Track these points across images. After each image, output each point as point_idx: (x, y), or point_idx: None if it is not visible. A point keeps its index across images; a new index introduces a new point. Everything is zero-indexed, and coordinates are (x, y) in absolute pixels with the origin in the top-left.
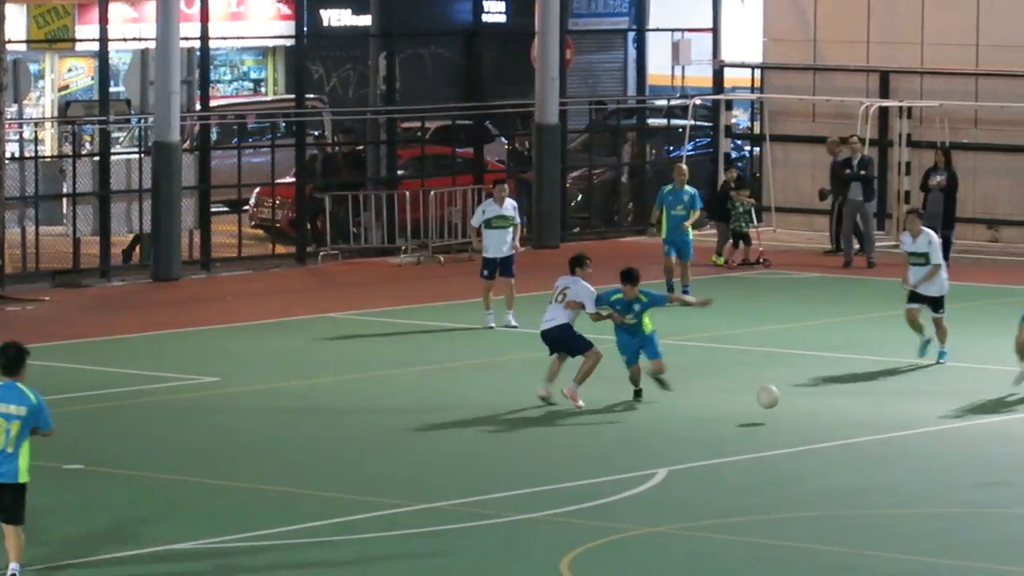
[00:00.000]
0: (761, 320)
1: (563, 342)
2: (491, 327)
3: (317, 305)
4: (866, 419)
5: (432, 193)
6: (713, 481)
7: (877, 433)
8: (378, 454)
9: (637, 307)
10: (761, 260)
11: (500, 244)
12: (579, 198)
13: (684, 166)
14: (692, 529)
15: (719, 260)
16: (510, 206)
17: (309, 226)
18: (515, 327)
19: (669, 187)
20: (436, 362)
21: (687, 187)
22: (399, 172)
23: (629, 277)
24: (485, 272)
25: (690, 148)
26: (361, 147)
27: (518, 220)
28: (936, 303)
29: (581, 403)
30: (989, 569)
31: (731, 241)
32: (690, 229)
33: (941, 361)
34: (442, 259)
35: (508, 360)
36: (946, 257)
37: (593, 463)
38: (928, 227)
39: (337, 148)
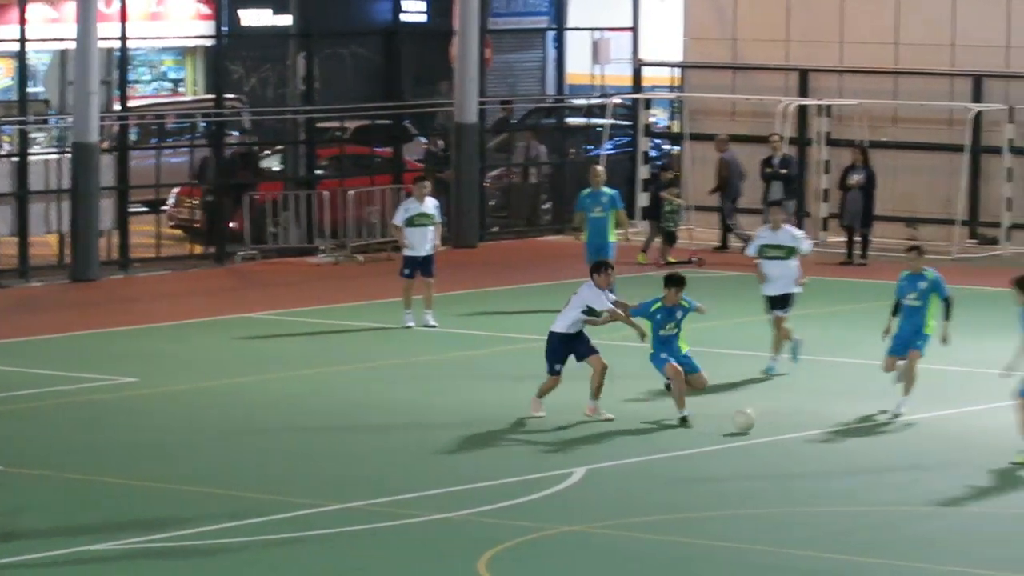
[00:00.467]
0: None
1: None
2: (409, 327)
3: (236, 305)
4: (788, 417)
5: (351, 193)
6: (631, 480)
7: (799, 431)
8: (296, 454)
9: (679, 314)
10: (693, 259)
11: (422, 242)
12: (497, 198)
13: (600, 168)
14: (610, 528)
15: (642, 258)
16: (431, 204)
17: (209, 227)
18: (434, 327)
19: (587, 190)
20: (355, 362)
21: (605, 188)
22: (318, 172)
23: (676, 281)
24: (406, 271)
25: (610, 147)
26: (257, 148)
27: (439, 219)
28: (785, 301)
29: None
30: (905, 567)
31: (663, 240)
32: (612, 231)
33: (773, 369)
34: (361, 258)
35: (427, 360)
36: (864, 256)
37: (511, 462)
38: (847, 226)
39: (232, 150)
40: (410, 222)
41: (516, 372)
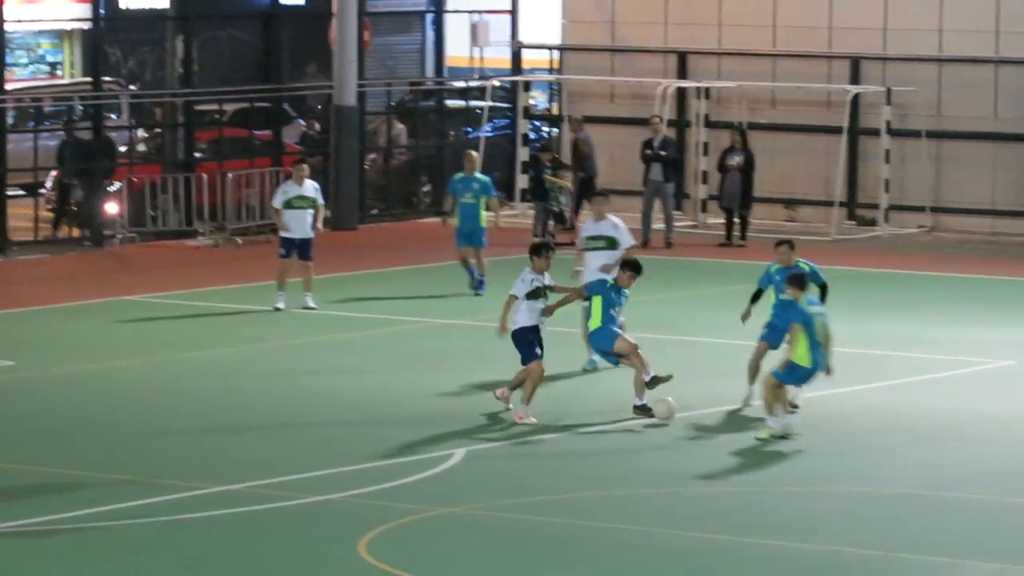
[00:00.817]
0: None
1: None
2: (279, 308)
3: (114, 288)
4: (664, 398)
5: (230, 176)
6: (511, 461)
7: (680, 412)
8: (175, 437)
9: (624, 299)
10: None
11: (300, 225)
12: (377, 180)
13: (475, 153)
14: (490, 509)
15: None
16: (310, 187)
17: (56, 212)
18: (313, 308)
19: (460, 174)
20: (234, 344)
21: (478, 174)
22: (197, 155)
23: (633, 266)
24: (282, 251)
25: (489, 130)
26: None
27: (320, 201)
28: None
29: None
30: (782, 546)
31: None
32: (483, 216)
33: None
34: (240, 241)
35: (306, 342)
36: (744, 237)
37: (391, 444)
38: (726, 207)
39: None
40: (288, 204)
41: (395, 355)
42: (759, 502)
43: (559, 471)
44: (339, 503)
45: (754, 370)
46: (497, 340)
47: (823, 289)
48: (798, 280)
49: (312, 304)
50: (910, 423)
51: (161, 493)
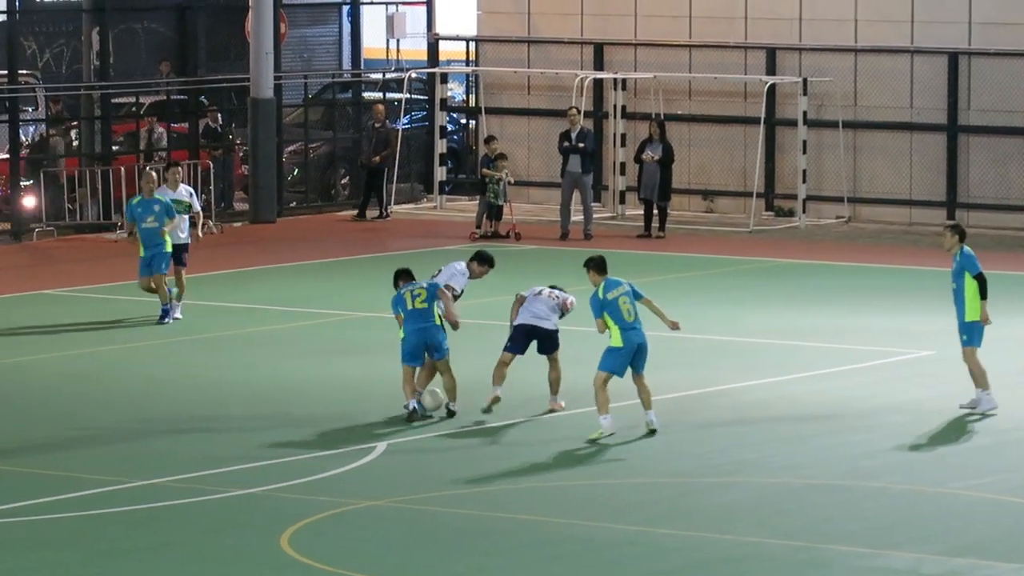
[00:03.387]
0: (485, 292)
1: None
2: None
3: (32, 282)
4: (583, 390)
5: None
6: (432, 454)
7: (591, 405)
8: (93, 431)
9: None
10: (511, 233)
11: (175, 231)
12: (295, 172)
13: (154, 173)
14: (412, 501)
15: (479, 233)
16: (184, 191)
17: None
18: (178, 319)
19: (137, 198)
20: (150, 338)
21: (157, 195)
22: (114, 147)
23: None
24: None
25: (406, 121)
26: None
27: (197, 207)
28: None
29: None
30: (702, 537)
31: (485, 214)
32: (167, 239)
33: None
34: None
35: (224, 336)
36: (662, 228)
37: (312, 438)
38: (645, 199)
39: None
40: None
41: (315, 347)
42: (677, 493)
43: (479, 463)
44: (261, 497)
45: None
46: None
47: (980, 281)
48: (596, 264)
49: (179, 315)
50: (827, 413)
51: (79, 488)
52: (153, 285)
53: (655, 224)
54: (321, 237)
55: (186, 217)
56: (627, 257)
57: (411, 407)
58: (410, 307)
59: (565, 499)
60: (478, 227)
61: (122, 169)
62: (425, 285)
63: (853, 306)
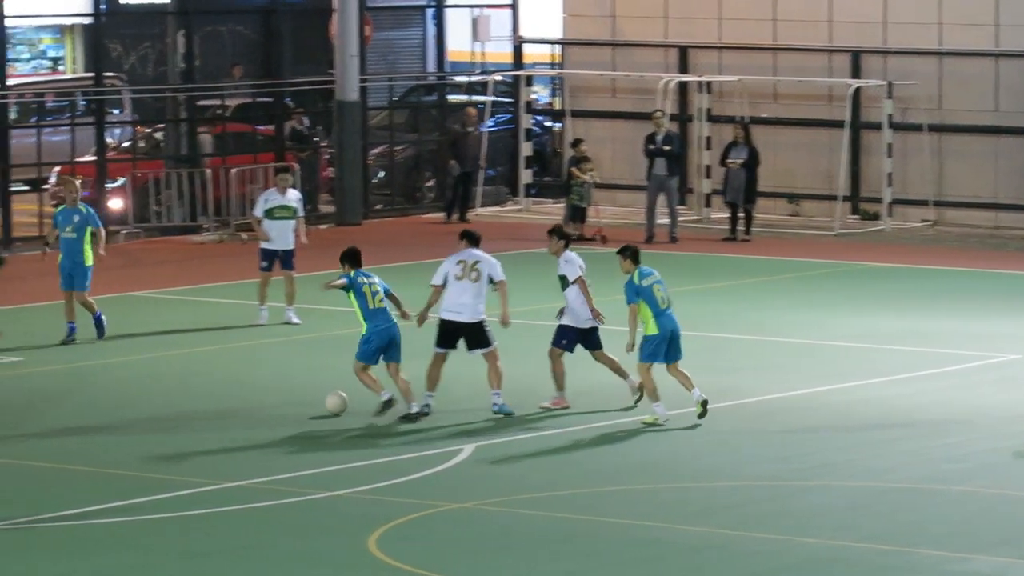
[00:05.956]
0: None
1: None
2: (262, 325)
3: (118, 284)
4: (670, 393)
5: (233, 171)
6: (520, 457)
7: (681, 407)
8: (183, 433)
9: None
10: (597, 236)
11: (282, 236)
12: (380, 175)
13: (77, 181)
14: (498, 504)
15: None
16: (293, 197)
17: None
18: (297, 323)
19: (61, 207)
20: (239, 340)
21: (82, 205)
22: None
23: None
24: (264, 264)
25: (491, 124)
26: None
27: (301, 212)
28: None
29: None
30: (788, 541)
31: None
32: (87, 253)
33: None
34: (244, 236)
35: (312, 337)
36: (748, 232)
37: (400, 440)
38: (730, 202)
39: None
40: (270, 214)
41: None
42: (764, 497)
43: (565, 466)
44: (348, 499)
45: None
46: (512, 330)
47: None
48: (632, 253)
49: (296, 320)
50: (913, 417)
51: (167, 489)
52: (77, 301)
53: (740, 227)
54: (406, 240)
55: (291, 222)
56: (712, 260)
57: (387, 397)
58: (371, 306)
59: (651, 502)
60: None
61: (207, 171)
62: (378, 283)
63: (938, 310)
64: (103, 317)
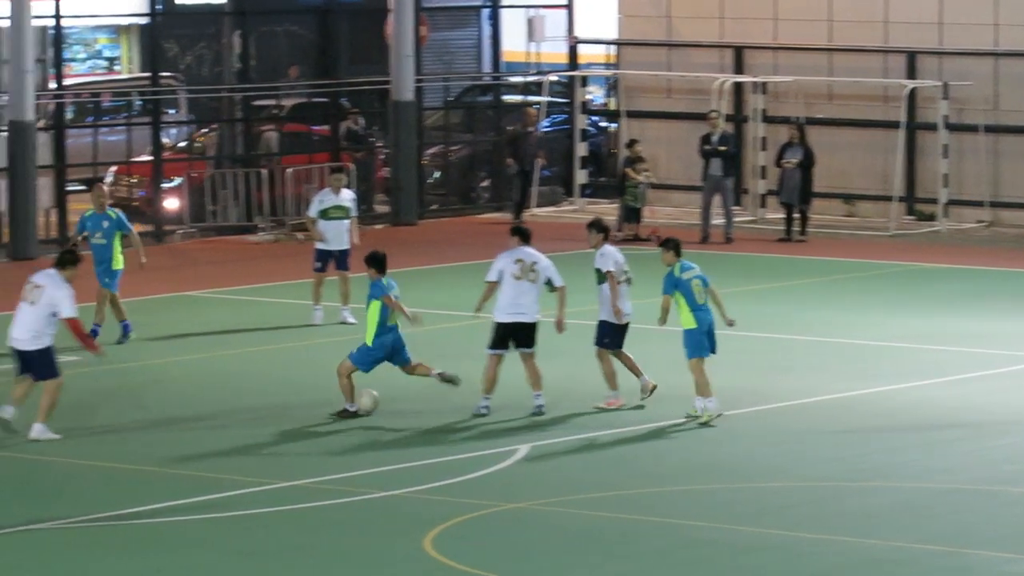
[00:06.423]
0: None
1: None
2: (317, 325)
3: (174, 284)
4: (721, 395)
5: (289, 170)
6: (575, 457)
7: (734, 409)
8: (235, 432)
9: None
10: (652, 237)
11: (336, 236)
12: (436, 175)
13: (105, 187)
14: (552, 504)
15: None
16: (347, 197)
17: None
18: (352, 324)
19: (90, 211)
20: (294, 340)
21: (111, 209)
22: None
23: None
24: (318, 264)
25: (547, 124)
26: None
27: (355, 212)
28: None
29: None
30: (844, 541)
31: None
32: (117, 258)
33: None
34: (300, 236)
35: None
36: (803, 232)
37: (454, 440)
38: (786, 202)
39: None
40: (324, 215)
41: (456, 350)
42: (819, 497)
43: (621, 467)
44: (403, 499)
45: None
46: (569, 331)
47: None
48: (675, 245)
49: (351, 319)
50: (970, 418)
51: (222, 489)
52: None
53: (795, 228)
54: (462, 240)
55: (345, 222)
56: (768, 261)
57: (354, 408)
58: (389, 322)
59: (706, 502)
60: (619, 230)
61: (263, 171)
62: (396, 294)
63: (994, 311)
64: (129, 324)
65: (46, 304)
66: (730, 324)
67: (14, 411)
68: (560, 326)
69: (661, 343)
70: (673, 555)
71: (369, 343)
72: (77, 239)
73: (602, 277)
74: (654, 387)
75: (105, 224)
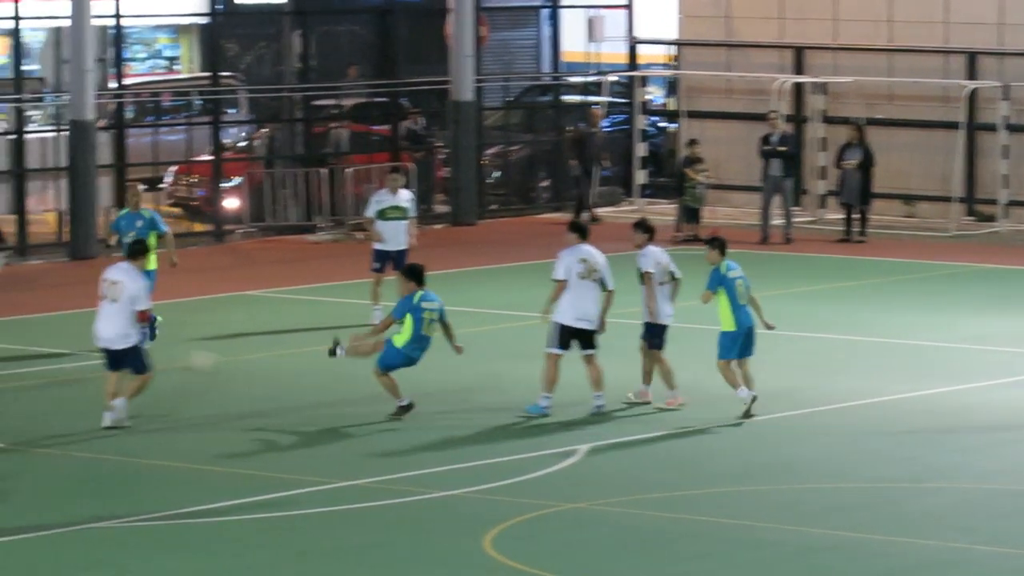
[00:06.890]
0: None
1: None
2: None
3: (234, 283)
4: (781, 395)
5: (348, 170)
6: (635, 457)
7: (792, 409)
8: (301, 432)
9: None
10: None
11: (394, 237)
12: (496, 175)
13: (140, 187)
14: (612, 504)
15: (680, 236)
16: (405, 197)
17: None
18: None
19: (125, 210)
20: None
21: (144, 209)
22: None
23: (718, 244)
24: (376, 265)
25: (606, 124)
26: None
27: (413, 213)
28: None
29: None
30: (906, 543)
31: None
32: (152, 259)
33: None
34: (359, 236)
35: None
36: (863, 233)
37: (514, 440)
38: (845, 203)
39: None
40: (382, 215)
41: (518, 350)
42: (881, 498)
43: (681, 467)
44: (464, 498)
45: None
46: (624, 331)
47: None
48: (722, 244)
49: None
50: None
51: (281, 488)
52: None
53: (855, 228)
54: (521, 240)
55: (403, 223)
56: (827, 261)
57: (407, 402)
58: (423, 332)
59: (768, 503)
60: (678, 231)
61: (323, 171)
62: (436, 308)
63: None
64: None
65: (128, 300)
66: (769, 328)
67: (117, 412)
68: (602, 327)
69: (706, 342)
70: (733, 556)
71: (398, 345)
72: (110, 240)
73: (643, 277)
74: (648, 402)
75: (139, 224)
